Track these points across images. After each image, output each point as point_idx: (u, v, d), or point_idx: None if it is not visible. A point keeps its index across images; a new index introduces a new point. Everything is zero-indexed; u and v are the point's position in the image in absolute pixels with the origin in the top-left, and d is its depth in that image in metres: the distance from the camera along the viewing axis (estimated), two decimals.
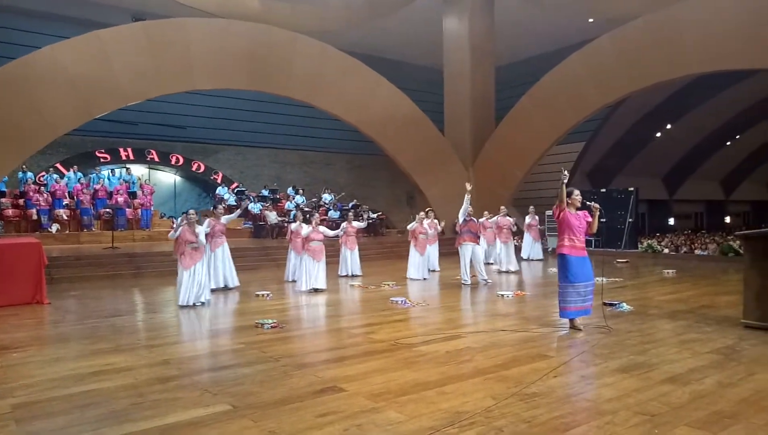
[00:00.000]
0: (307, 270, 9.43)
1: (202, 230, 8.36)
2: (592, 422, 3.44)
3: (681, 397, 3.89)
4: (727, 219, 34.40)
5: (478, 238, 10.34)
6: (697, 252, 15.25)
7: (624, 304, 7.39)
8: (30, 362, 5.07)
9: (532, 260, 14.70)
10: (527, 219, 14.94)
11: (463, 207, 10.14)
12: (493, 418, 3.53)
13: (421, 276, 10.98)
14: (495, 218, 13.07)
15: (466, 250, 10.07)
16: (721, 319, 6.57)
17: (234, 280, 9.90)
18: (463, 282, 10.01)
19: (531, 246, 14.98)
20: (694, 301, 8.00)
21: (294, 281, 10.35)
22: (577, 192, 6.26)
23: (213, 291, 8.98)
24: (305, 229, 9.80)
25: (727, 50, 13.32)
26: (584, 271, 6.05)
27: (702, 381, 4.23)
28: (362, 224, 12.40)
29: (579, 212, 6.24)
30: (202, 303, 8.10)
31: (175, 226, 8.51)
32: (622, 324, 6.32)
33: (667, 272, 11.45)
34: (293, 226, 10.90)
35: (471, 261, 10.08)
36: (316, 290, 9.35)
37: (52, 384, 4.38)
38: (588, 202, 6.25)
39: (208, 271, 8.68)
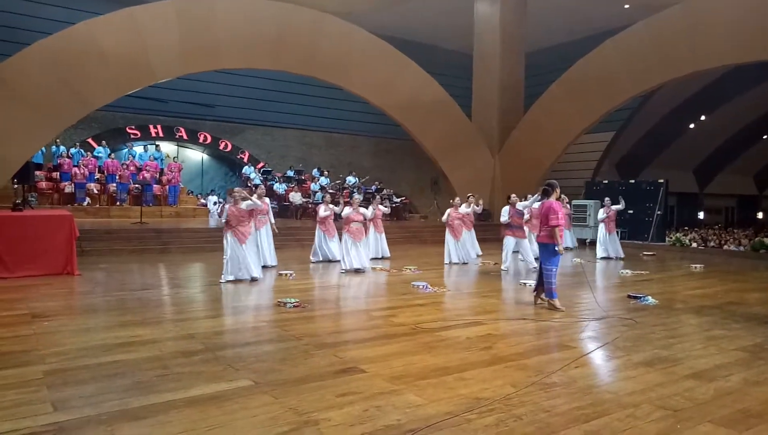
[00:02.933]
0: (348, 250, 9.57)
1: (247, 204, 8.43)
2: (613, 414, 3.41)
3: (705, 393, 3.83)
4: (760, 215, 33.51)
5: (523, 230, 10.29)
6: (726, 247, 14.90)
7: (649, 297, 7.27)
8: (61, 331, 5.23)
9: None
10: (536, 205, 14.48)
11: (528, 202, 10.14)
12: (512, 405, 3.53)
13: (459, 260, 11.04)
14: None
15: (509, 241, 10.20)
16: (750, 316, 6.43)
17: (273, 259, 10.10)
18: (502, 269, 10.14)
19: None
20: (721, 296, 7.84)
21: (319, 261, 10.62)
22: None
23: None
24: (346, 210, 9.91)
25: (766, 40, 12.85)
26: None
27: (728, 378, 4.15)
28: (387, 210, 12.41)
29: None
30: (254, 278, 8.27)
31: (219, 210, 8.61)
32: (647, 317, 6.23)
33: (695, 267, 11.22)
34: (322, 210, 10.89)
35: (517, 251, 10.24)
36: (357, 271, 9.50)
37: (82, 353, 4.51)
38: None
39: (257, 248, 8.92)
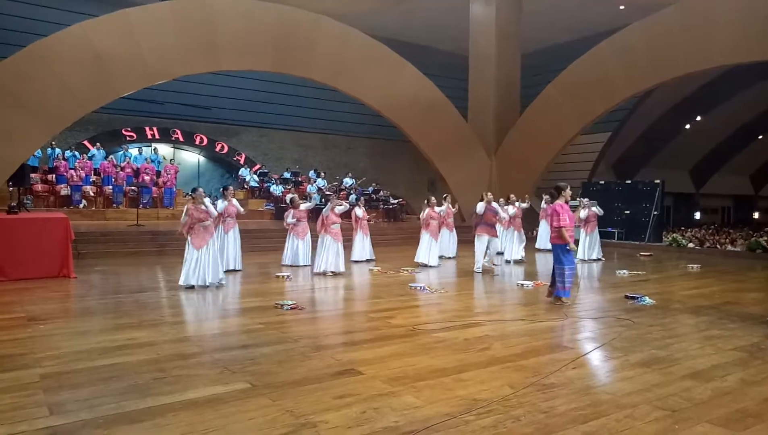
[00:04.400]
0: (326, 252, 9.48)
1: (210, 205, 8.05)
2: (611, 415, 3.41)
3: (703, 393, 3.83)
4: (756, 215, 33.62)
5: (495, 229, 10.25)
6: (730, 248, 14.92)
7: (646, 297, 7.28)
8: (57, 334, 5.21)
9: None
10: (543, 205, 14.10)
11: (477, 207, 10.10)
12: (510, 406, 3.52)
13: (428, 261, 10.88)
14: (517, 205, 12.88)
15: (483, 239, 10.05)
16: (746, 316, 6.44)
17: (239, 263, 9.90)
18: (475, 270, 10.00)
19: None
20: (718, 296, 7.85)
21: (292, 265, 10.43)
22: (568, 187, 7.29)
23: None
24: (326, 210, 9.82)
25: (762, 40, 12.89)
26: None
27: (725, 378, 4.16)
28: (343, 208, 12.01)
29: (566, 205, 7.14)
30: (214, 284, 7.92)
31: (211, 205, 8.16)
32: (644, 318, 6.24)
33: (692, 267, 11.25)
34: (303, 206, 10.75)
35: (487, 250, 10.07)
36: (333, 273, 9.41)
37: (78, 356, 4.49)
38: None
39: (218, 252, 8.33)
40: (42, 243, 8.44)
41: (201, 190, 8.28)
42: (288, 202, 10.64)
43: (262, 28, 14.80)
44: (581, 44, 18.78)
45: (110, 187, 16.47)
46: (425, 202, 11.49)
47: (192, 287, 7.76)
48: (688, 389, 3.89)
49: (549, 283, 7.37)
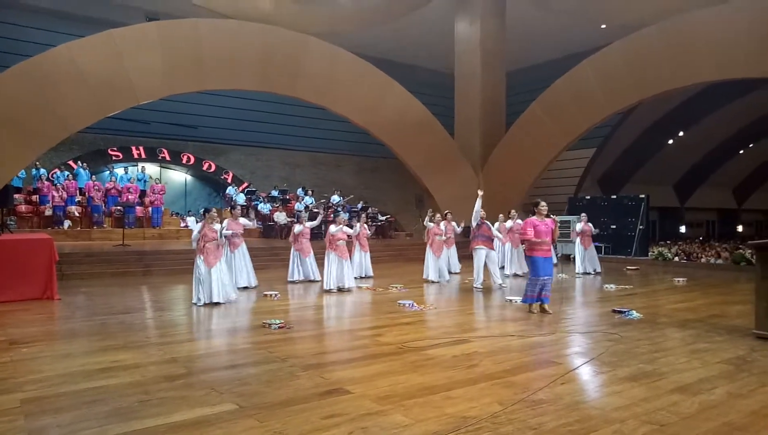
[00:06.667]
0: (332, 269, 9.54)
1: (219, 228, 8.40)
2: (599, 430, 3.41)
3: (690, 407, 3.84)
4: (740, 228, 34.09)
5: (492, 241, 10.28)
6: (706, 260, 15.10)
7: (633, 311, 7.32)
8: (39, 357, 5.11)
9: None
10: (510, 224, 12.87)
11: (474, 211, 10.09)
12: (499, 423, 3.51)
13: (437, 278, 10.96)
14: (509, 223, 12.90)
15: (480, 254, 10.05)
16: (732, 328, 6.50)
17: (254, 280, 10.07)
18: (475, 286, 9.98)
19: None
20: (704, 310, 7.92)
21: (296, 281, 10.60)
22: (543, 203, 7.58)
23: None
24: (332, 229, 9.88)
25: (739, 58, 13.21)
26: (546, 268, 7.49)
27: (712, 391, 4.18)
28: (368, 232, 12.33)
29: (546, 220, 7.50)
30: (228, 301, 8.16)
31: (196, 226, 8.54)
32: (631, 332, 6.26)
33: (678, 280, 11.34)
34: (297, 227, 10.89)
35: (486, 265, 10.05)
36: (341, 290, 9.48)
37: (61, 380, 4.41)
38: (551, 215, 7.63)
39: (229, 269, 8.85)
40: (25, 265, 8.30)
41: (214, 210, 8.58)
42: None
43: (248, 48, 14.88)
44: (564, 62, 19.11)
45: (90, 207, 16.29)
46: (429, 215, 11.74)
47: (208, 304, 7.96)
48: (675, 403, 3.91)
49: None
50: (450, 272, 11.92)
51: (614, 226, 17.40)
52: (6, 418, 3.57)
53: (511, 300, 8.50)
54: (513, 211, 13.17)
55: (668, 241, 20.69)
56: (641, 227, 16.93)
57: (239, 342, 5.87)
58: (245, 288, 9.81)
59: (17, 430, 3.39)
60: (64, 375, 4.53)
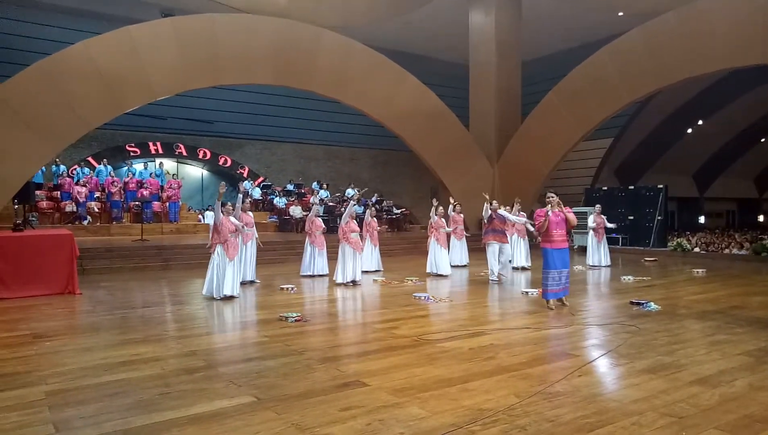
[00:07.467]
0: (347, 262, 9.55)
1: (234, 220, 8.47)
2: (617, 423, 3.39)
3: (710, 399, 3.81)
4: (761, 217, 33.49)
5: (504, 235, 10.22)
6: (728, 251, 14.86)
7: (652, 303, 7.25)
8: (62, 351, 5.22)
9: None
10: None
11: (483, 212, 10.10)
12: (516, 416, 3.51)
13: (438, 271, 10.89)
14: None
15: (493, 248, 10.02)
16: (753, 320, 6.41)
17: (254, 275, 9.98)
18: (491, 279, 9.95)
19: None
20: (724, 301, 7.81)
21: (310, 275, 10.53)
22: (549, 194, 7.57)
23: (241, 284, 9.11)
24: (344, 221, 9.90)
25: (760, 44, 12.91)
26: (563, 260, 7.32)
27: (732, 383, 4.13)
28: (376, 225, 12.29)
29: (558, 211, 7.41)
30: (227, 296, 8.10)
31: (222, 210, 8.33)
32: (650, 324, 6.21)
33: (697, 271, 11.19)
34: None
35: (499, 258, 10.02)
36: (354, 283, 9.50)
37: (83, 372, 4.50)
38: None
39: (239, 262, 8.88)
40: (47, 260, 8.47)
41: (229, 204, 8.65)
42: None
43: (263, 42, 14.91)
44: (581, 51, 18.86)
45: (109, 203, 16.52)
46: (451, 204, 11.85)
47: (230, 297, 8.05)
48: (695, 395, 3.87)
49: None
50: (456, 265, 11.87)
51: (632, 217, 17.21)
52: (31, 410, 3.66)
53: (527, 292, 8.47)
54: (517, 197, 12.93)
55: (688, 232, 20.37)
56: (659, 218, 16.71)
57: (257, 335, 5.93)
58: (251, 282, 9.73)
59: (42, 422, 3.47)
60: (86, 368, 4.63)
